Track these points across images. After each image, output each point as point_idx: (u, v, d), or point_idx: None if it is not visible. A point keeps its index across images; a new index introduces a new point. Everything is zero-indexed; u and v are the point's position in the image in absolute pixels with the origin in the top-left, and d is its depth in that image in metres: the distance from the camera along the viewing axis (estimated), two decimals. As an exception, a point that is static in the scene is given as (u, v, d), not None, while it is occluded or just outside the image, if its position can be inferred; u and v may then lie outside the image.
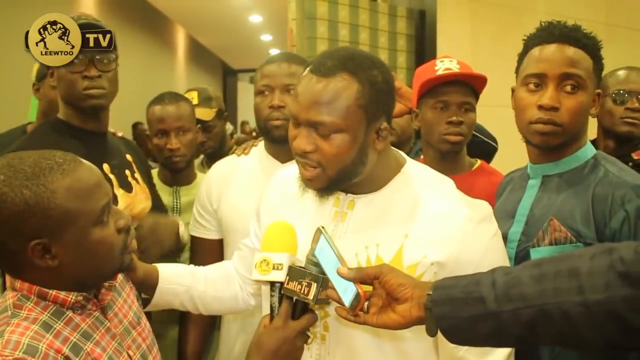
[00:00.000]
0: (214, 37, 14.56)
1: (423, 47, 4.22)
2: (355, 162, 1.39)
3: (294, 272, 1.34)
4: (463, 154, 2.21)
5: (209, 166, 3.15)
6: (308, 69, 1.40)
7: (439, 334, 1.27)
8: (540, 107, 1.62)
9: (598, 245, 1.17)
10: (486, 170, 2.23)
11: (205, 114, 2.96)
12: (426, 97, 2.14)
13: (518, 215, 1.73)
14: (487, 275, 1.17)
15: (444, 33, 4.17)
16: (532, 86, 1.66)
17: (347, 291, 1.26)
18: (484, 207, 1.47)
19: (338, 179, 1.41)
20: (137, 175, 2.10)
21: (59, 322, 1.22)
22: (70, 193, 1.18)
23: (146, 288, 1.65)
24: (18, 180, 1.15)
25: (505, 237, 1.70)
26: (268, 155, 2.19)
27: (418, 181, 1.49)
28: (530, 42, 1.70)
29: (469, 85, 2.10)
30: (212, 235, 2.28)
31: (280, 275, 1.35)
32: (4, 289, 1.88)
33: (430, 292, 1.19)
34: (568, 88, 1.62)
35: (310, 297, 1.31)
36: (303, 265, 1.36)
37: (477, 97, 2.15)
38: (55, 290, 1.22)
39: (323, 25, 3.99)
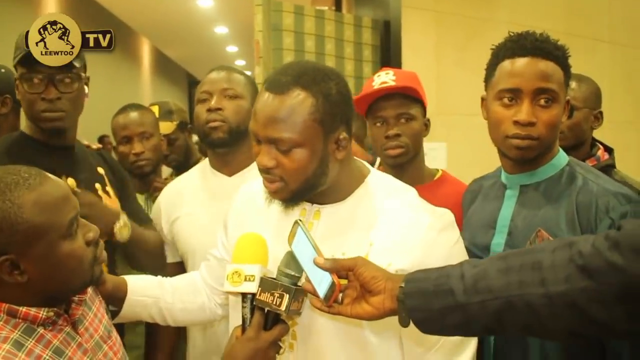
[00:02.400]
0: (180, 49, 14.51)
1: (389, 57, 4.25)
2: (317, 174, 1.43)
3: (266, 284, 1.35)
4: (418, 165, 2.19)
5: (178, 178, 3.17)
6: (265, 84, 1.44)
7: (405, 339, 1.30)
8: (517, 123, 1.64)
9: (559, 239, 1.23)
10: (448, 180, 2.22)
11: (166, 127, 3.00)
12: (368, 114, 2.15)
13: (499, 226, 1.74)
14: (456, 268, 1.22)
15: (408, 43, 4.21)
16: (506, 100, 1.66)
17: (322, 282, 1.28)
18: (446, 216, 1.51)
19: (301, 191, 1.45)
20: (108, 188, 2.08)
21: (30, 339, 1.20)
22: (37, 207, 1.17)
23: (115, 300, 1.64)
24: None
25: (487, 248, 1.74)
26: (213, 170, 2.22)
27: (381, 191, 1.53)
28: (501, 54, 1.70)
29: (406, 95, 2.09)
30: (168, 259, 2.28)
31: (252, 287, 1.37)
32: None
33: (403, 285, 1.23)
34: (542, 102, 1.63)
35: (283, 308, 1.33)
36: (274, 277, 1.37)
37: (421, 104, 2.13)
38: (25, 307, 1.20)
39: (289, 37, 4.00)
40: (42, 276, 1.20)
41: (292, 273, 1.36)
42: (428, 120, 2.18)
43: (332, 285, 1.26)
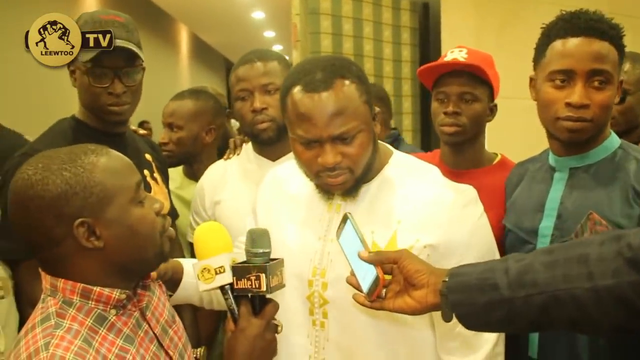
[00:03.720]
0: (217, 35, 14.57)
1: (427, 39, 4.21)
2: (373, 152, 1.50)
3: (239, 270, 1.34)
4: (477, 148, 2.15)
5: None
6: (299, 89, 1.44)
7: (435, 313, 1.31)
8: (569, 105, 1.60)
9: (607, 232, 1.19)
10: (507, 164, 2.16)
11: None
12: (433, 88, 2.13)
13: (547, 209, 1.71)
14: (501, 263, 1.21)
15: (447, 25, 4.15)
16: (558, 82, 1.63)
17: (366, 277, 1.28)
18: (469, 192, 1.54)
19: (362, 175, 1.50)
20: (156, 175, 2.10)
21: (102, 328, 1.21)
22: (107, 171, 1.21)
23: (171, 284, 1.65)
24: (56, 164, 1.19)
25: (534, 232, 1.71)
26: (257, 155, 2.21)
27: (406, 170, 1.57)
28: (553, 33, 1.65)
29: (475, 75, 2.05)
30: None
31: (226, 278, 1.34)
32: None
33: (446, 279, 1.22)
34: (596, 83, 1.60)
35: (264, 288, 1.32)
36: (245, 260, 1.36)
37: (489, 87, 2.09)
38: (99, 287, 1.22)
39: (327, 20, 3.98)
40: (118, 242, 1.22)
41: (261, 250, 1.35)
42: (495, 105, 2.14)
43: (376, 280, 1.26)
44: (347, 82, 1.43)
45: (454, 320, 1.42)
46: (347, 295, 1.46)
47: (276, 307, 1.37)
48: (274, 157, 2.16)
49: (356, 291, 1.33)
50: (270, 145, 2.13)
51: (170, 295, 1.67)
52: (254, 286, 1.32)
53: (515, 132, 3.19)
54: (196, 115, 2.66)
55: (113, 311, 1.24)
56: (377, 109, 1.51)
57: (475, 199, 1.54)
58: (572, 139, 1.64)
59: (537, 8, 4.18)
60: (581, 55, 1.59)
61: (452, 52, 2.09)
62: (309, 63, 1.51)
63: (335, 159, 1.43)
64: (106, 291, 1.22)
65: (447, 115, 2.04)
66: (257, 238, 1.36)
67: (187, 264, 1.71)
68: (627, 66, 2.32)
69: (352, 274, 1.31)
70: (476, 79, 2.05)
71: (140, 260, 1.28)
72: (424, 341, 1.53)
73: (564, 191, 1.70)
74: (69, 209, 1.17)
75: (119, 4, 8.55)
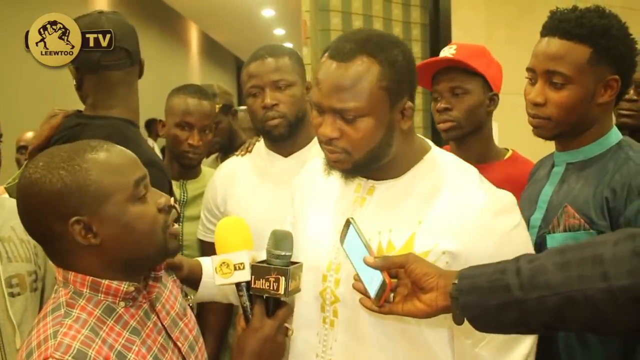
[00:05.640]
0: (227, 33, 14.58)
1: (438, 36, 4.18)
2: (382, 145, 1.40)
3: (259, 270, 1.32)
4: (483, 142, 2.15)
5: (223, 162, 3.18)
6: (327, 54, 1.41)
7: (455, 330, 1.28)
8: (529, 102, 1.67)
9: (621, 230, 1.18)
10: (519, 160, 2.17)
11: None
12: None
13: (540, 202, 1.74)
14: (512, 263, 1.18)
15: (458, 21, 4.13)
16: (530, 79, 1.69)
17: (372, 281, 1.25)
18: (505, 199, 1.44)
19: (365, 162, 1.42)
20: None
21: (110, 319, 1.23)
22: (104, 170, 1.22)
23: (190, 283, 1.65)
24: (54, 163, 1.21)
25: (527, 223, 1.69)
26: (269, 151, 2.20)
27: (440, 169, 1.48)
28: None
29: (463, 69, 2.05)
30: None
31: (244, 275, 1.33)
32: None
33: (456, 281, 1.19)
34: (553, 83, 1.63)
35: (281, 292, 1.30)
36: (265, 260, 1.34)
37: (483, 78, 2.08)
38: (107, 280, 1.24)
39: (336, 17, 3.97)
40: (114, 238, 1.23)
41: (283, 253, 1.33)
42: (495, 94, 2.12)
43: (383, 284, 1.23)
44: (370, 60, 1.35)
45: (472, 340, 1.37)
46: (357, 295, 1.44)
47: (290, 310, 1.36)
48: (285, 153, 2.16)
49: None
50: (282, 141, 2.12)
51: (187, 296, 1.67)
52: (272, 288, 1.30)
53: (527, 128, 3.17)
54: (214, 116, 2.68)
55: (122, 303, 1.26)
56: (409, 104, 1.41)
57: (510, 207, 1.43)
58: (536, 134, 1.71)
59: (549, 3, 4.14)
60: (539, 55, 1.65)
61: (443, 51, 2.11)
62: (357, 32, 1.46)
63: (331, 133, 1.38)
64: (114, 284, 1.24)
65: (440, 113, 2.06)
66: (280, 240, 1.34)
67: (206, 263, 1.69)
68: None
69: (359, 279, 1.28)
70: (466, 73, 2.06)
71: (139, 257, 1.28)
72: (432, 348, 1.45)
73: (556, 185, 1.72)
74: (65, 207, 1.19)
75: (128, 3, 8.57)
